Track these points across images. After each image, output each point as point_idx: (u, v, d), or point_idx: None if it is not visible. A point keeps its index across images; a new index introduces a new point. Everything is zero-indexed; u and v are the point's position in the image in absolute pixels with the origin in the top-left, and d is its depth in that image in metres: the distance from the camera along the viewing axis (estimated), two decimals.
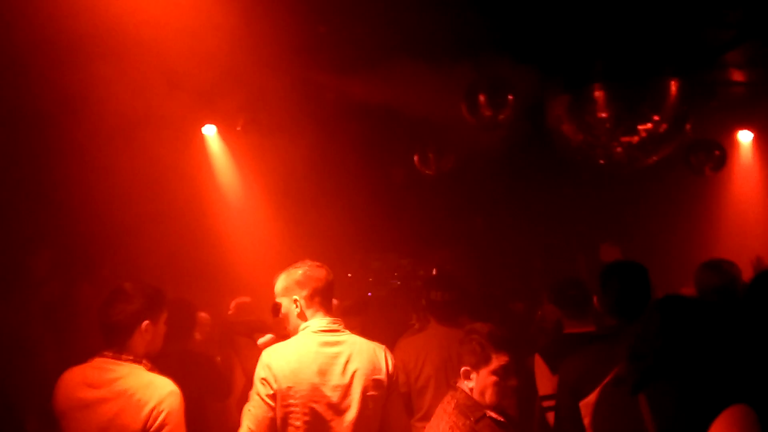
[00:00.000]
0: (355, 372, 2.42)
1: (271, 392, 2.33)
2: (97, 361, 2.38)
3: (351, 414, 2.37)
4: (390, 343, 3.68)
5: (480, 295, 6.01)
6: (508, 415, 2.48)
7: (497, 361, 2.32)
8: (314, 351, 2.41)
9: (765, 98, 5.75)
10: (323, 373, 2.38)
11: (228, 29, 3.84)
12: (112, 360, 2.37)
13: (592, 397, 2.39)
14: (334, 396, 2.37)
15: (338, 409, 2.37)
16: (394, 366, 2.54)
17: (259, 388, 2.36)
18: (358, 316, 3.73)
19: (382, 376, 2.47)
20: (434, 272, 7.86)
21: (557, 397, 2.67)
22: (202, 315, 5.20)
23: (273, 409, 2.32)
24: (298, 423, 2.32)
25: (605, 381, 2.34)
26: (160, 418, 2.24)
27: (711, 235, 6.98)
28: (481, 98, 4.34)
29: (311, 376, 2.36)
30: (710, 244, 6.70)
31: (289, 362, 2.37)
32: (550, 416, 3.13)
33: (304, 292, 2.53)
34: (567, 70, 4.33)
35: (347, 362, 2.43)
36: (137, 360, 2.39)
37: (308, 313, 2.53)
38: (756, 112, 6.29)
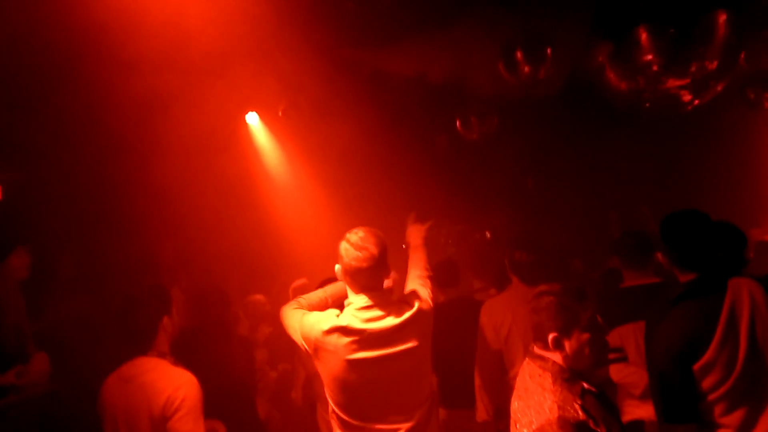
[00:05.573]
0: (400, 342, 2.51)
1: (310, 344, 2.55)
2: (129, 363, 2.64)
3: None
4: (448, 308, 3.76)
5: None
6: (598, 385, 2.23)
7: (585, 315, 2.06)
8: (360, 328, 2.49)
9: None
10: (374, 347, 2.48)
11: (256, 15, 3.86)
12: (141, 358, 2.63)
13: (707, 357, 2.33)
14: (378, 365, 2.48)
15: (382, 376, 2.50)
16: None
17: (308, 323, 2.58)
18: None
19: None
20: (488, 235, 7.80)
21: (663, 365, 2.41)
22: (258, 297, 5.39)
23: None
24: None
25: (717, 338, 2.32)
26: (176, 404, 2.48)
27: None
28: (519, 55, 4.21)
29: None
30: None
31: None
32: (611, 370, 3.15)
33: (340, 267, 2.57)
34: (607, 15, 4.16)
35: (396, 337, 2.51)
36: (162, 356, 2.65)
37: (348, 288, 2.59)
38: None
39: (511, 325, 3.34)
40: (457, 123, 5.92)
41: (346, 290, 2.62)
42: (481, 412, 3.40)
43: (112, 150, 4.63)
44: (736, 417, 2.31)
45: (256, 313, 5.24)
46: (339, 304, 2.68)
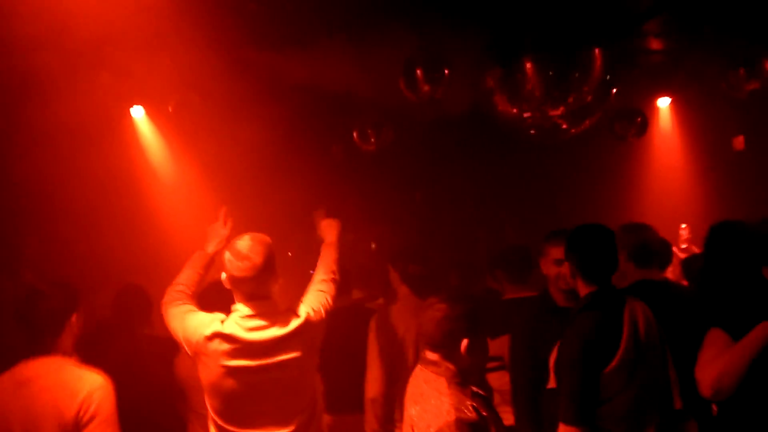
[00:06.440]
0: (283, 352, 2.50)
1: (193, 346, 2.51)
2: (25, 363, 2.34)
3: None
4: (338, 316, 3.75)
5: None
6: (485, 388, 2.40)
7: (472, 324, 2.16)
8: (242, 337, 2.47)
9: (680, 65, 6.05)
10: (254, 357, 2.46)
11: (154, 7, 3.69)
12: (42, 358, 2.34)
13: (614, 364, 2.43)
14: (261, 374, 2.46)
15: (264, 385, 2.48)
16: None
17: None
18: None
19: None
20: (373, 246, 7.93)
21: (575, 368, 2.47)
22: None
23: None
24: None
25: (623, 347, 2.45)
26: (91, 409, 2.25)
27: (635, 197, 7.38)
28: (419, 73, 4.36)
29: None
30: (635, 206, 7.09)
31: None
32: (490, 377, 3.30)
33: (225, 276, 2.52)
34: (498, 43, 4.40)
35: (278, 347, 2.49)
36: (67, 356, 2.38)
37: (234, 294, 2.55)
38: (673, 79, 6.61)
39: (404, 336, 3.39)
40: (354, 134, 5.99)
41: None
42: (372, 423, 3.42)
43: None
44: (624, 425, 2.44)
45: None
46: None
